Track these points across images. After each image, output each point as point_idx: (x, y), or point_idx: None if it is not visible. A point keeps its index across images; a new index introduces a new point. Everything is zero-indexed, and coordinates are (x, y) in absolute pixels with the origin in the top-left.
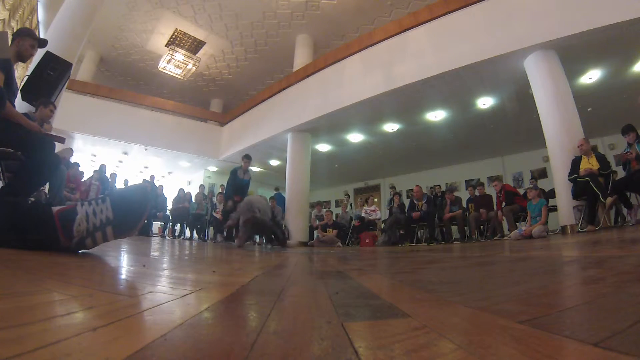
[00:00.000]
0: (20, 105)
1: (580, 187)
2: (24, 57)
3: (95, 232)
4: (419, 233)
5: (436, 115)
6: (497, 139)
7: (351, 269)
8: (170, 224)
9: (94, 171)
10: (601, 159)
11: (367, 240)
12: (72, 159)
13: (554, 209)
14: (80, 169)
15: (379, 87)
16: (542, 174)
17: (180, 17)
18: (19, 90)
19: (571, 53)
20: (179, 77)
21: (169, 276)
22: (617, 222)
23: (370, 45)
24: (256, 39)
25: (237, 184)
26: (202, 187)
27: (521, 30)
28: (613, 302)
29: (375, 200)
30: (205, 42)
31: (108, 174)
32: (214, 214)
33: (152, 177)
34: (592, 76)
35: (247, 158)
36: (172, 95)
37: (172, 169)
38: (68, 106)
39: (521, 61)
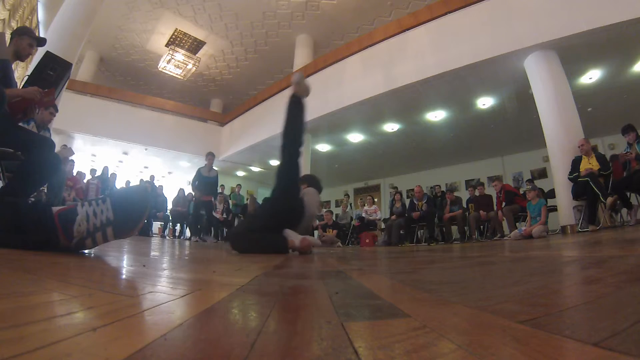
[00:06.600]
0: None
1: (581, 187)
2: (22, 56)
3: (96, 232)
4: (419, 233)
5: (436, 115)
6: (497, 139)
7: (351, 269)
8: (170, 224)
9: (91, 170)
10: (601, 159)
11: (367, 240)
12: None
13: (554, 209)
14: (80, 169)
15: (379, 87)
16: (542, 174)
17: (180, 17)
18: None
19: (571, 53)
20: (179, 77)
21: (169, 276)
22: (624, 218)
23: (370, 45)
24: (256, 39)
25: (201, 182)
26: None
27: (521, 30)
28: (613, 302)
29: (375, 200)
30: (205, 42)
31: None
32: (214, 214)
33: (152, 177)
34: (592, 76)
35: (210, 155)
36: (172, 95)
37: (172, 169)
38: (68, 106)
39: (521, 61)
